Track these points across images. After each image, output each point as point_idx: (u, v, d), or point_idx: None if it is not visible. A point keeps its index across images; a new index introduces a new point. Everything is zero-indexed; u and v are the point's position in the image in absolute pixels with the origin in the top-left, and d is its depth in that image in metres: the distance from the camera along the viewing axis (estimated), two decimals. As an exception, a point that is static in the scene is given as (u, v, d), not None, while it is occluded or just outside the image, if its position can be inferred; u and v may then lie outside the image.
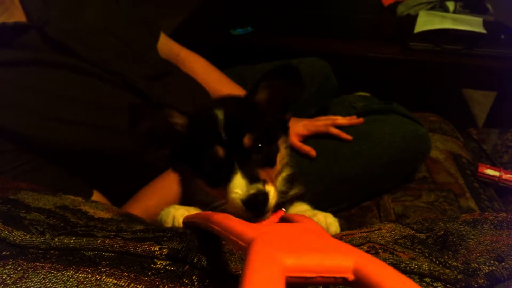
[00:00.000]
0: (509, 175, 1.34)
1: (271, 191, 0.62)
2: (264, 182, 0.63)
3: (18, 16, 0.88)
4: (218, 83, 1.31)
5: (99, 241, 0.44)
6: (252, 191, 0.61)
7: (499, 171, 1.36)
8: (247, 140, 0.66)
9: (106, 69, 0.97)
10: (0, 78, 0.82)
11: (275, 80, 0.72)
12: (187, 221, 0.60)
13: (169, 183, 0.99)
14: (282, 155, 0.74)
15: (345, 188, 1.14)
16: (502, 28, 2.04)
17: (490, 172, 1.35)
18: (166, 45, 1.30)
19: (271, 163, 0.69)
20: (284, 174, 0.77)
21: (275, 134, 0.74)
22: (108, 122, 0.95)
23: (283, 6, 2.46)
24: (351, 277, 0.30)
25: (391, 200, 1.21)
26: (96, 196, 0.93)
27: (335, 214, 1.16)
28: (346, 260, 0.31)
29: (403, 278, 0.29)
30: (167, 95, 1.09)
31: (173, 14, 2.50)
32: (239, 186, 0.62)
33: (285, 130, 0.79)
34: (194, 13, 2.40)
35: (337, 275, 0.31)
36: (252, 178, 0.63)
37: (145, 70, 1.08)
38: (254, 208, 0.60)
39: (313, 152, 1.10)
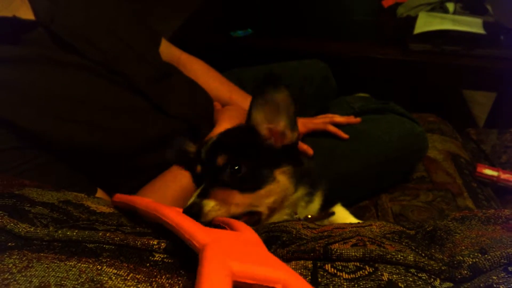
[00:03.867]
0: (507, 175, 1.35)
1: (207, 205, 0.67)
2: (207, 197, 0.68)
3: (23, 11, 0.89)
4: (218, 85, 1.33)
5: (100, 234, 0.46)
6: (189, 202, 0.68)
7: (497, 171, 1.37)
8: (219, 161, 0.73)
9: (109, 69, 0.99)
10: (6, 74, 0.84)
11: (264, 94, 0.75)
12: (120, 201, 0.63)
13: (167, 182, 1.01)
14: (281, 185, 0.74)
15: (342, 187, 1.16)
16: (501, 29, 2.06)
17: (488, 172, 1.37)
18: (167, 50, 1.32)
19: (249, 186, 0.72)
20: (292, 200, 0.78)
21: (268, 160, 0.75)
22: (111, 122, 0.96)
23: (283, 8, 2.48)
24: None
25: (389, 200, 1.22)
26: (100, 194, 0.95)
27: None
28: (277, 273, 0.37)
29: None
30: (169, 96, 1.11)
31: (174, 16, 2.52)
32: (191, 197, 0.70)
33: (291, 157, 0.79)
34: (195, 15, 2.42)
35: (270, 285, 0.36)
36: (203, 193, 0.69)
37: (147, 71, 1.10)
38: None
39: (310, 151, 1.11)
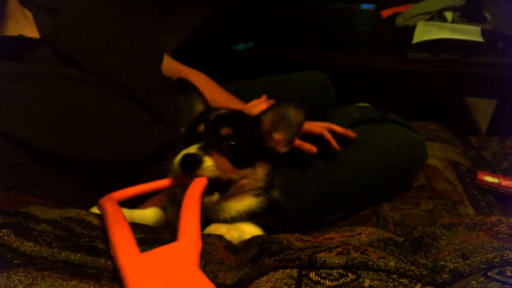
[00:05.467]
0: (508, 182, 1.35)
1: (207, 161, 0.72)
2: (208, 154, 0.72)
3: (29, 30, 0.94)
4: (218, 96, 1.36)
5: (102, 261, 0.49)
6: (190, 152, 0.72)
7: (498, 177, 1.37)
8: (224, 131, 0.79)
9: (112, 82, 1.03)
10: (14, 90, 0.87)
11: (282, 106, 0.84)
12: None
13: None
14: (257, 175, 0.82)
15: (341, 195, 1.17)
16: (500, 36, 2.08)
17: (489, 179, 1.37)
18: (169, 64, 1.36)
19: (237, 163, 0.78)
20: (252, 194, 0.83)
21: (258, 153, 0.83)
22: (114, 134, 0.99)
23: (283, 21, 2.52)
24: None
25: (390, 209, 1.23)
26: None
27: (333, 223, 1.19)
28: None
29: None
30: (170, 108, 1.14)
31: (177, 31, 2.58)
32: (188, 149, 0.74)
33: (273, 161, 0.86)
34: (197, 30, 2.47)
35: None
36: (203, 149, 0.73)
37: (149, 83, 1.14)
38: (183, 165, 0.71)
39: (314, 149, 1.10)
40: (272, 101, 1.36)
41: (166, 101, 1.15)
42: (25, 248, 0.47)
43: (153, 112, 1.10)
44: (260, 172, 0.83)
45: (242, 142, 0.79)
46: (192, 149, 0.74)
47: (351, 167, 1.16)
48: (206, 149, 0.74)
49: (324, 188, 1.13)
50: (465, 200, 1.27)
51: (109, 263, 0.48)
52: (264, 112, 0.86)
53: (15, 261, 0.44)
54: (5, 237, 0.47)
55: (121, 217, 0.60)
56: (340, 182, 1.15)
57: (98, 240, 0.52)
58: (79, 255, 0.48)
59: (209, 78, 1.43)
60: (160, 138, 1.09)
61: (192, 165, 0.71)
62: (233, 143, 0.78)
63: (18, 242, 0.47)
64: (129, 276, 0.44)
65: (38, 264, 0.45)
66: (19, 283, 0.41)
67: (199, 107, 0.94)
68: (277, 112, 0.85)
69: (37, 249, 0.47)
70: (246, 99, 1.44)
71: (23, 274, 0.42)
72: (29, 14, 0.97)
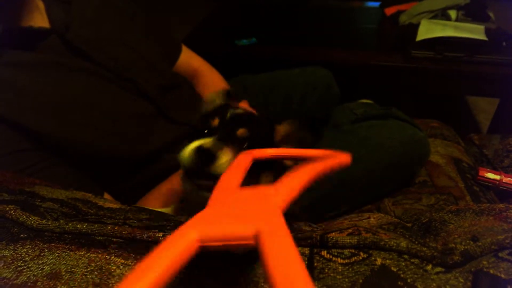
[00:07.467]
0: (509, 179, 1.35)
1: (223, 156, 0.67)
2: (222, 149, 0.68)
3: (40, 20, 0.94)
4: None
5: (109, 227, 0.48)
6: (205, 145, 0.68)
7: (500, 174, 1.37)
8: (240, 131, 0.75)
9: (120, 75, 1.02)
10: (20, 78, 0.87)
11: (299, 123, 0.80)
12: None
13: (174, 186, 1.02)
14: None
15: (345, 193, 1.16)
16: (504, 35, 2.07)
17: (491, 175, 1.37)
18: (186, 61, 1.38)
19: None
20: None
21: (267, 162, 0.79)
22: (119, 127, 0.99)
23: (286, 17, 2.52)
24: (252, 243, 0.34)
25: (392, 203, 1.23)
26: (106, 198, 0.97)
27: (335, 218, 1.19)
28: (249, 228, 0.35)
29: (292, 253, 0.31)
30: (176, 105, 1.14)
31: (181, 26, 2.57)
32: (202, 140, 0.70)
33: (278, 172, 0.80)
34: (201, 25, 2.47)
35: (241, 242, 0.35)
36: (216, 143, 0.69)
37: (157, 80, 1.13)
38: (198, 157, 0.67)
39: None
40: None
41: (174, 98, 1.16)
42: (32, 222, 0.47)
43: (159, 108, 1.10)
44: (263, 177, 0.77)
45: (255, 147, 0.73)
46: (207, 142, 0.69)
47: (356, 165, 1.14)
48: (221, 144, 0.69)
49: (329, 185, 1.13)
50: (466, 196, 1.27)
51: (116, 228, 0.48)
52: (280, 121, 0.82)
53: (22, 235, 0.44)
54: (11, 211, 0.47)
55: (242, 167, 0.55)
56: (344, 180, 1.14)
57: (105, 218, 0.52)
58: (86, 224, 0.47)
59: (220, 79, 1.43)
60: (165, 134, 1.08)
61: (210, 158, 0.66)
62: (245, 146, 0.73)
63: (24, 217, 0.47)
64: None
65: (45, 236, 0.45)
66: (26, 255, 0.41)
67: (218, 100, 0.90)
68: (292, 126, 0.81)
69: (43, 222, 0.47)
70: (249, 94, 1.44)
71: (30, 247, 0.42)
72: (41, 4, 0.97)
